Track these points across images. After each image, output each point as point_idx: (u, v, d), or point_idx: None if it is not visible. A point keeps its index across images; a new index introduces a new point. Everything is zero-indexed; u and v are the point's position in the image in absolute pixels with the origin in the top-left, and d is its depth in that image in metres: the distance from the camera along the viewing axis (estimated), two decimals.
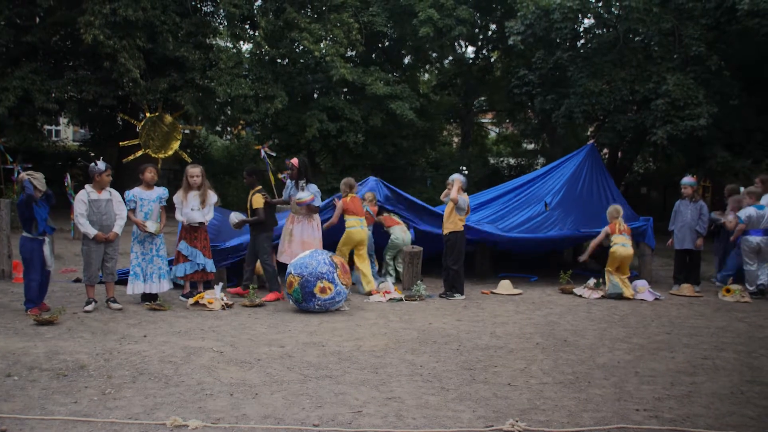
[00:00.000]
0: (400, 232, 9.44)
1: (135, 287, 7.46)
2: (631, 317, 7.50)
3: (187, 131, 18.66)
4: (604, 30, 16.39)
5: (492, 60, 23.23)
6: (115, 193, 7.36)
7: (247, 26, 18.12)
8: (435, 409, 4.30)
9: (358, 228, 8.54)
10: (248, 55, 19.55)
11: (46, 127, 23.16)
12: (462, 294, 8.50)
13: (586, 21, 16.53)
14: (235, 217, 8.20)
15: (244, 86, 16.41)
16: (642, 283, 8.92)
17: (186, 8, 16.35)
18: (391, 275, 9.47)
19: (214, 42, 18.20)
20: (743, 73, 15.49)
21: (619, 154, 19.45)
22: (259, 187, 8.15)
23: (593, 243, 9.23)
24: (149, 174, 7.61)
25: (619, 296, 8.63)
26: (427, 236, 9.46)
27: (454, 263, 8.49)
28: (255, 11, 17.55)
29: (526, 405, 4.42)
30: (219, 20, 18.76)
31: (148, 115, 16.91)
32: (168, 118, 16.99)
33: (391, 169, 19.93)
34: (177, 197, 7.83)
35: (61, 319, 6.55)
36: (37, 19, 16.87)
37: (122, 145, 17.07)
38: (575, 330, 6.76)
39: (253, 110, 17.20)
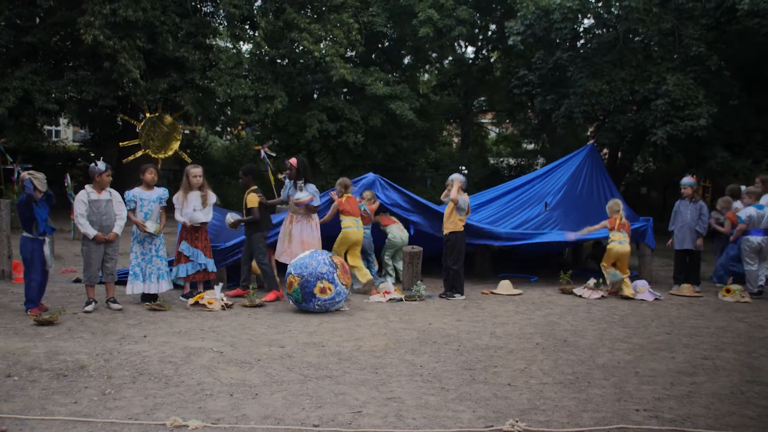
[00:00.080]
0: (398, 231, 9.45)
1: (134, 287, 7.47)
2: (631, 317, 7.49)
3: (186, 131, 18.66)
4: (604, 30, 16.39)
5: (492, 60, 23.23)
6: (115, 194, 7.36)
7: (246, 26, 18.14)
8: (435, 410, 4.30)
9: (354, 228, 8.55)
10: (248, 56, 19.55)
11: (46, 127, 23.17)
12: (462, 294, 8.49)
13: (585, 21, 16.55)
14: (231, 217, 8.22)
15: (244, 86, 16.42)
16: (642, 284, 8.91)
17: (186, 9, 16.36)
18: (390, 275, 9.47)
19: (214, 42, 18.20)
20: (743, 73, 15.49)
21: (619, 154, 19.45)
22: (254, 186, 8.17)
23: (590, 228, 9.26)
24: (149, 175, 7.62)
25: (621, 282, 8.66)
26: (426, 235, 9.44)
27: (454, 263, 8.49)
28: (255, 11, 17.56)
29: (526, 405, 4.42)
30: (219, 21, 18.78)
31: (148, 115, 16.92)
32: (168, 119, 17.00)
33: (390, 169, 19.92)
34: (177, 198, 7.84)
35: (61, 319, 6.55)
36: (37, 20, 16.89)
37: (122, 146, 17.08)
38: (575, 330, 6.76)
39: (253, 110, 17.20)
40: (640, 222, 9.93)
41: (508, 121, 27.08)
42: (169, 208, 7.73)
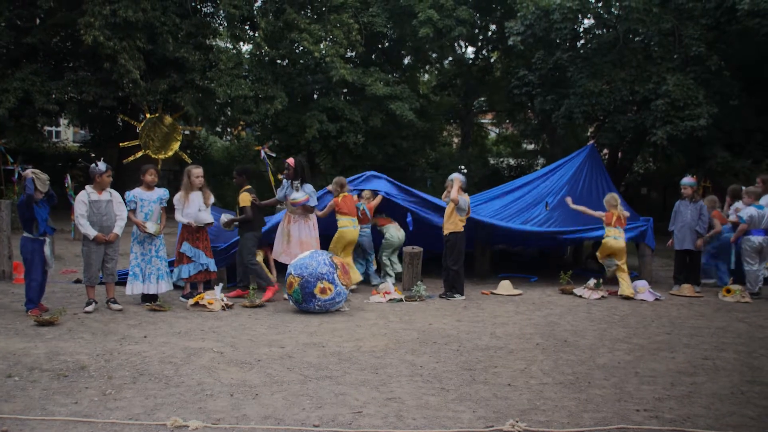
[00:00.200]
0: (394, 231, 9.46)
1: (134, 287, 7.48)
2: (631, 317, 7.50)
3: (187, 132, 18.65)
4: (604, 30, 16.39)
5: (492, 60, 23.23)
6: (116, 194, 7.37)
7: (247, 27, 18.13)
8: (435, 410, 4.30)
9: (350, 228, 8.57)
10: (248, 56, 19.56)
11: (47, 128, 23.19)
12: (462, 294, 8.50)
13: (585, 21, 16.55)
14: (225, 217, 8.29)
15: (244, 87, 16.42)
16: (642, 284, 8.91)
17: (186, 9, 16.36)
18: (390, 276, 9.47)
19: (214, 43, 18.20)
20: (743, 73, 15.49)
21: (619, 154, 19.45)
22: (248, 186, 8.20)
23: (588, 211, 9.31)
24: (150, 176, 7.62)
25: (617, 267, 8.79)
26: (426, 235, 9.44)
27: (454, 264, 8.49)
28: (255, 12, 17.56)
29: (526, 405, 4.42)
30: (219, 21, 18.77)
31: (148, 116, 16.91)
32: (168, 119, 16.99)
33: (391, 169, 19.86)
34: (178, 198, 7.85)
35: (62, 319, 6.56)
36: (38, 21, 16.88)
37: (122, 146, 17.07)
38: (575, 330, 6.76)
39: (253, 111, 17.20)
40: (640, 222, 9.93)
41: (508, 121, 27.08)
42: (169, 209, 7.74)
